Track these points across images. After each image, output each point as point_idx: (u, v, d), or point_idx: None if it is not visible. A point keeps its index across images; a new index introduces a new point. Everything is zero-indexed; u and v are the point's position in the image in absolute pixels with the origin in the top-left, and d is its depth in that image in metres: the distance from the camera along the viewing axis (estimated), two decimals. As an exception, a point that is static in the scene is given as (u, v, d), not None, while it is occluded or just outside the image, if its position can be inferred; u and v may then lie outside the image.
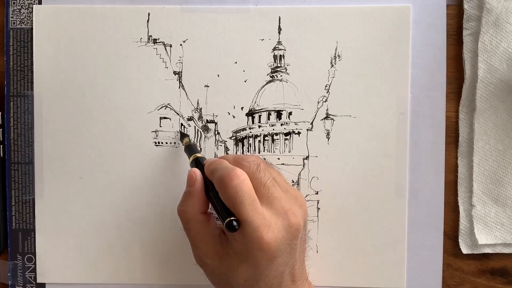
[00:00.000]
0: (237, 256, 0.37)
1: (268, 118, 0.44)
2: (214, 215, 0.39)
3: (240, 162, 0.38)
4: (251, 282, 0.37)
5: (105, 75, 0.44)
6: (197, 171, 0.38)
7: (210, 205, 0.39)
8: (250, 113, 0.44)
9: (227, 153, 0.44)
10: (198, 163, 0.40)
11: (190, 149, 0.42)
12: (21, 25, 0.44)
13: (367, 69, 0.43)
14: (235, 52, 0.44)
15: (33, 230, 0.45)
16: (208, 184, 0.38)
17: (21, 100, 0.44)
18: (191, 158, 0.41)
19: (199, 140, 0.44)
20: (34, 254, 0.45)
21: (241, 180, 0.36)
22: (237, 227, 0.35)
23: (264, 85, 0.44)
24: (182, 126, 0.44)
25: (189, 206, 0.38)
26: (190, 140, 0.43)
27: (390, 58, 0.43)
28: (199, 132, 0.44)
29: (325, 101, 0.44)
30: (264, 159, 0.44)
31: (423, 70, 0.43)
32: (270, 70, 0.44)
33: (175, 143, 0.44)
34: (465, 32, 0.43)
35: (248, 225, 0.35)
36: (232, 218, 0.35)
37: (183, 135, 0.44)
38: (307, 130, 0.44)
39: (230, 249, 0.37)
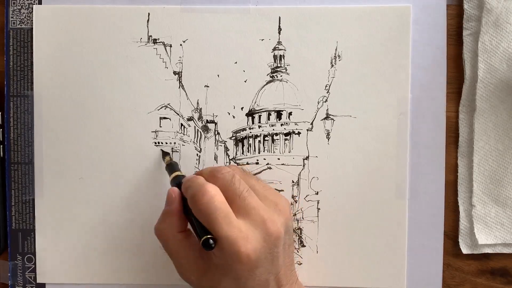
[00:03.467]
0: (218, 270, 0.37)
1: (268, 118, 0.44)
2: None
3: (215, 174, 0.38)
4: None
5: (105, 75, 0.44)
6: (175, 190, 0.38)
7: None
8: (250, 113, 0.44)
9: (227, 154, 0.44)
10: (178, 181, 0.40)
11: (171, 167, 0.42)
12: (21, 25, 0.44)
13: (367, 69, 0.43)
14: (235, 52, 0.44)
15: (33, 230, 0.45)
16: (186, 203, 0.38)
17: (21, 100, 0.44)
18: (171, 176, 0.41)
19: (199, 140, 0.44)
20: (34, 254, 0.45)
21: (211, 195, 0.35)
22: (213, 245, 0.35)
23: (264, 85, 0.44)
24: (182, 126, 0.44)
25: (167, 225, 0.38)
26: (171, 159, 0.43)
27: (390, 58, 0.43)
28: (199, 132, 0.44)
29: (325, 101, 0.44)
30: (244, 166, 0.44)
31: (423, 70, 0.43)
32: (270, 70, 0.44)
33: (175, 143, 0.44)
34: (465, 32, 0.43)
35: (224, 240, 0.35)
36: (208, 236, 0.35)
37: (164, 154, 0.44)
38: (307, 130, 0.44)
39: (211, 263, 0.37)
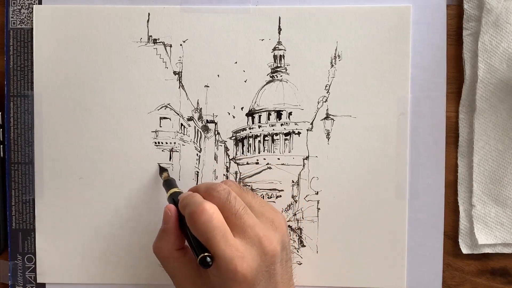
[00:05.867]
0: None
1: (268, 118, 0.44)
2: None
3: (211, 193, 0.38)
4: None
5: (105, 75, 0.44)
6: (172, 208, 0.38)
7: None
8: (250, 113, 0.44)
9: (227, 154, 0.44)
10: (175, 198, 0.40)
11: (168, 184, 0.42)
12: (21, 25, 0.44)
13: (367, 69, 0.43)
14: (235, 52, 0.44)
15: (33, 230, 0.45)
16: (183, 220, 0.38)
17: (21, 100, 0.44)
18: (168, 193, 0.41)
19: (199, 140, 0.44)
20: (34, 254, 0.45)
21: (210, 214, 0.36)
22: (210, 263, 0.35)
23: (264, 85, 0.44)
24: (182, 126, 0.44)
25: (165, 244, 0.38)
26: (168, 175, 0.43)
27: (390, 58, 0.43)
28: (199, 132, 0.44)
29: (325, 101, 0.44)
30: (240, 182, 0.44)
31: (423, 70, 0.43)
32: (270, 70, 0.44)
33: (175, 143, 0.44)
34: (465, 32, 0.43)
35: (221, 259, 0.35)
36: (205, 254, 0.35)
37: (162, 170, 0.44)
38: (307, 130, 0.44)
39: (208, 281, 0.37)
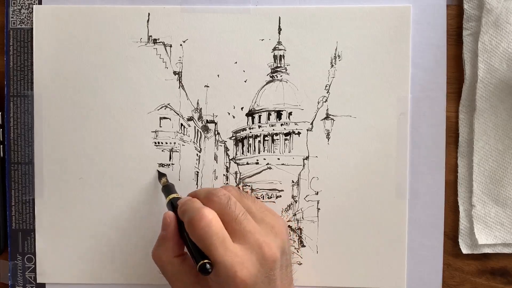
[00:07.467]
0: None
1: (268, 118, 0.44)
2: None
3: (211, 198, 0.38)
4: None
5: (105, 75, 0.44)
6: (171, 215, 0.38)
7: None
8: (250, 113, 0.44)
9: (227, 154, 0.44)
10: (174, 204, 0.39)
11: (167, 189, 0.42)
12: (21, 25, 0.44)
13: (367, 69, 0.43)
14: (235, 52, 0.44)
15: (33, 230, 0.45)
16: (182, 226, 0.38)
17: (21, 100, 0.44)
18: (167, 199, 0.41)
19: (199, 140, 0.44)
20: (34, 254, 0.45)
21: (209, 220, 0.35)
22: (210, 270, 0.35)
23: (264, 85, 0.44)
24: (182, 126, 0.44)
25: (164, 251, 0.38)
26: (167, 180, 0.43)
27: (390, 58, 0.43)
28: (199, 132, 0.44)
29: (325, 101, 0.44)
30: (239, 187, 0.44)
31: (423, 70, 0.43)
32: (270, 70, 0.44)
33: (175, 143, 0.44)
34: (465, 32, 0.43)
35: (220, 265, 0.35)
36: (204, 261, 0.35)
37: (160, 175, 0.44)
38: (307, 130, 0.44)
39: (207, 287, 0.37)
